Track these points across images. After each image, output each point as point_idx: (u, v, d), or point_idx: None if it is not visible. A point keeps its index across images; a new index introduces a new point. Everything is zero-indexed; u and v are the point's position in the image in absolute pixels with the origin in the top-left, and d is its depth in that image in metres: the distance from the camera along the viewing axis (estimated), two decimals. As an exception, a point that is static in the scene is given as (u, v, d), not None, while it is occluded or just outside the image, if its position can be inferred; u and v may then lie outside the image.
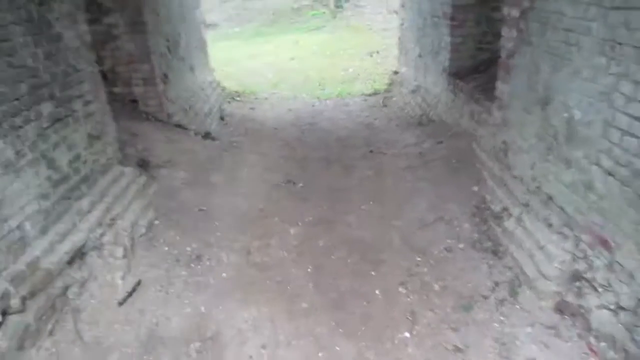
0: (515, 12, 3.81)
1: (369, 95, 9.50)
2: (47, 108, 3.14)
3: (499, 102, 4.33)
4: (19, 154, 2.80)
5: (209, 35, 9.31)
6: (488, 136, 4.63)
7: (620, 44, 2.50)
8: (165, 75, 5.99)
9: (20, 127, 2.84)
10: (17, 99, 2.83)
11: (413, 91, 7.80)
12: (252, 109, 8.79)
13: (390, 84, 9.40)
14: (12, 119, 2.77)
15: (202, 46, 8.33)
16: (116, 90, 5.57)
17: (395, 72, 9.30)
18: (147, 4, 5.50)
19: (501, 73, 4.24)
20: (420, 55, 7.39)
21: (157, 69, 5.69)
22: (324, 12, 18.90)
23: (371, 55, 12.85)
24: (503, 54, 4.16)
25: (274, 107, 8.97)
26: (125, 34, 5.39)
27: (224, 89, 9.10)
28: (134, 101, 5.74)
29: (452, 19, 5.68)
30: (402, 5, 8.37)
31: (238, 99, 9.36)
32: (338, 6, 18.33)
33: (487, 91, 5.08)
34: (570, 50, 2.99)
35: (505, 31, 4.09)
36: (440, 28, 6.15)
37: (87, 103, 3.72)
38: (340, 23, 17.33)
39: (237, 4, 22.23)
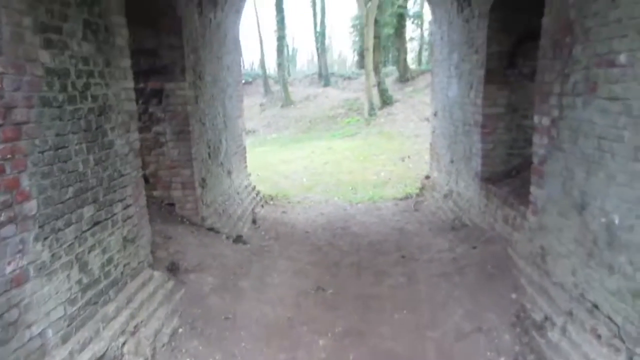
0: (546, 121, 3.88)
1: (401, 199, 9.53)
2: (89, 211, 3.26)
3: (533, 207, 4.27)
4: (54, 256, 2.85)
5: (248, 141, 9.78)
6: (524, 241, 4.49)
7: (653, 151, 2.48)
8: (204, 180, 6.24)
9: (61, 229, 2.93)
10: (62, 202, 2.96)
11: (445, 196, 7.80)
12: (284, 212, 8.91)
13: (422, 189, 9.45)
14: (55, 221, 2.88)
15: (242, 152, 8.75)
16: (155, 193, 5.80)
17: (427, 177, 9.40)
18: (194, 115, 5.90)
19: (535, 178, 4.22)
20: (452, 161, 7.49)
21: (197, 174, 5.95)
22: (358, 120, 19.83)
23: (403, 160, 13.15)
24: (535, 160, 4.18)
25: (306, 211, 9.07)
26: (171, 141, 5.73)
27: (258, 192, 9.35)
28: (171, 204, 5.94)
29: (484, 126, 5.85)
30: (435, 114, 8.68)
31: (271, 202, 9.55)
32: (372, 114, 19.24)
33: (520, 196, 5.03)
34: (603, 156, 2.98)
35: (536, 138, 4.14)
36: (471, 135, 6.30)
37: (127, 207, 3.86)
38: (373, 130, 18.06)
39: (276, 112, 23.72)
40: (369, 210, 8.90)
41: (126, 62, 3.93)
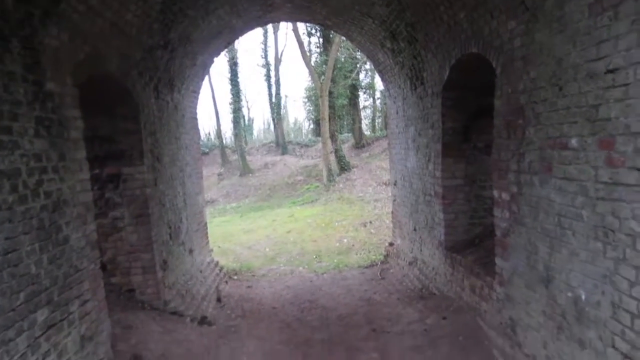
0: (505, 196, 4.01)
1: (366, 267, 9.49)
2: (42, 315, 3.04)
3: (500, 278, 4.32)
4: (5, 371, 2.61)
5: (207, 211, 9.60)
6: (493, 312, 4.50)
7: (612, 230, 2.58)
8: (165, 262, 6.01)
9: (11, 340, 2.70)
10: (13, 310, 2.75)
11: (410, 263, 7.82)
12: (249, 287, 8.65)
13: (386, 256, 9.46)
14: (5, 332, 2.65)
15: (203, 229, 8.56)
16: (114, 280, 5.51)
17: (391, 244, 9.44)
18: (153, 198, 5.75)
19: (499, 250, 4.30)
20: (415, 229, 7.59)
21: (158, 256, 5.72)
22: (317, 186, 20.03)
23: (365, 226, 13.22)
24: (498, 233, 4.27)
25: (271, 284, 8.85)
26: (129, 226, 5.50)
27: (221, 268, 9.09)
28: (131, 290, 5.64)
29: (444, 197, 5.99)
30: (394, 184, 8.87)
31: (235, 277, 9.28)
32: (330, 180, 19.51)
33: (485, 265, 5.08)
34: (565, 233, 3.08)
35: (497, 212, 4.25)
36: (433, 205, 6.44)
37: (84, 303, 3.63)
38: (333, 195, 18.21)
39: (234, 181, 23.64)
40: (336, 281, 8.78)
41: (81, 154, 3.80)
